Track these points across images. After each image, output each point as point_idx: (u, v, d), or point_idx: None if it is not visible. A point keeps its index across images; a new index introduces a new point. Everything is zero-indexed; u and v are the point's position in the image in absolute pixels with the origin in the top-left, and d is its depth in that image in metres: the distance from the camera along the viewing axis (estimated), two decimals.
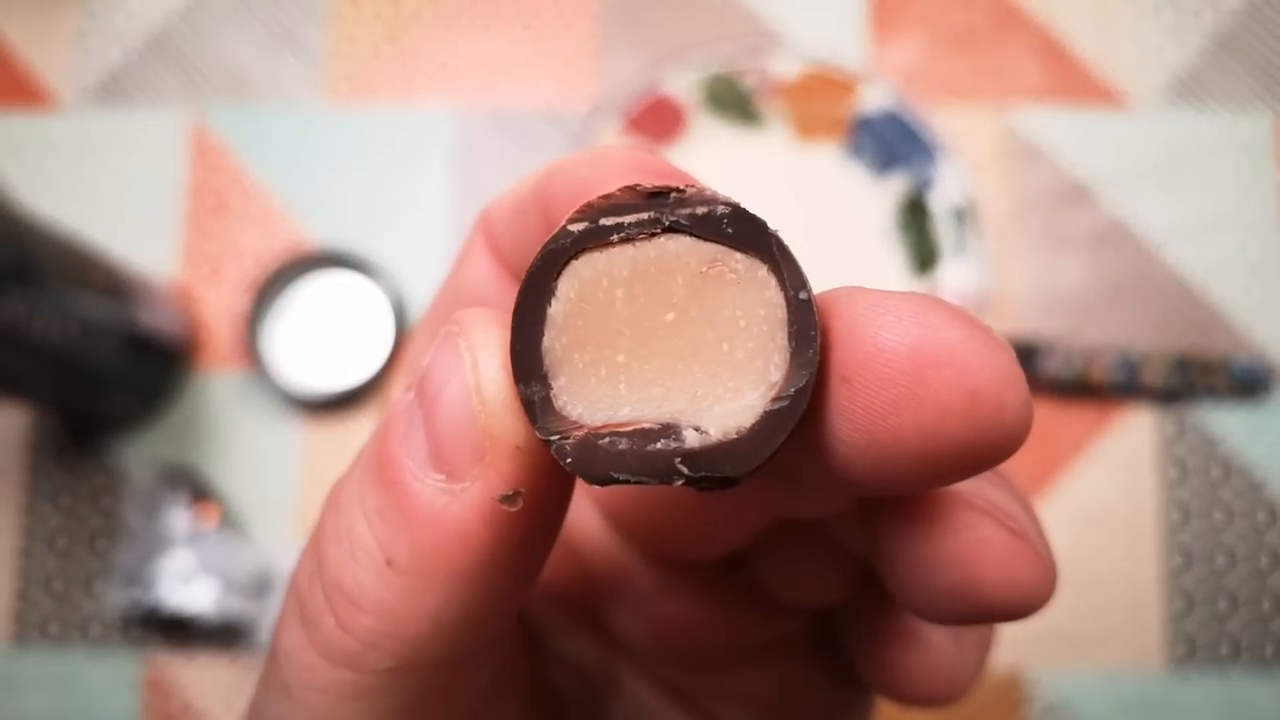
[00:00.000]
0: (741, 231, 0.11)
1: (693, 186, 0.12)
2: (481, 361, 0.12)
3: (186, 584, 0.45)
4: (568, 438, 0.11)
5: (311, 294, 0.51)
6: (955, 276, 0.49)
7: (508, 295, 0.16)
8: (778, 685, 0.19)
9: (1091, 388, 0.48)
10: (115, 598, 0.46)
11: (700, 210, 0.12)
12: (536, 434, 0.12)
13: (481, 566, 0.12)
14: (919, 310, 0.11)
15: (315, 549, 0.13)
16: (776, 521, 0.16)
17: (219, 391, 0.50)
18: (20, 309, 0.38)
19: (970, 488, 0.13)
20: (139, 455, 0.50)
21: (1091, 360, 0.48)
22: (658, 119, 0.50)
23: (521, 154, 0.52)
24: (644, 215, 0.12)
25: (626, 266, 0.12)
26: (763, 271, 0.11)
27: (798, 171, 0.51)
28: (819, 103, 0.50)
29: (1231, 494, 0.48)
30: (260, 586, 0.47)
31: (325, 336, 0.50)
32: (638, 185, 0.12)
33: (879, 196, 0.51)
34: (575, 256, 0.12)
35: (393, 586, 0.12)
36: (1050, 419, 0.49)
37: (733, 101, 0.51)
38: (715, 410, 0.11)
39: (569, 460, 0.11)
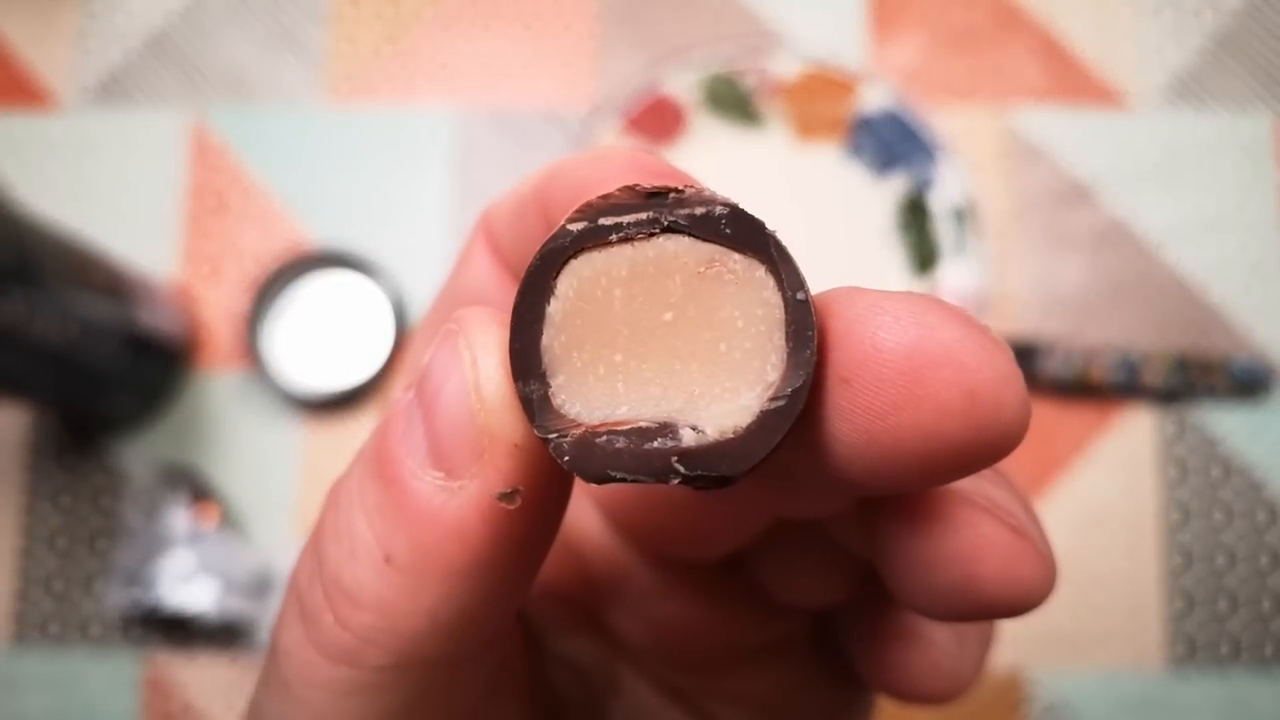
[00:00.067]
0: (740, 232, 0.11)
1: (692, 187, 0.12)
2: (481, 360, 0.12)
3: (186, 584, 0.45)
4: (565, 436, 0.12)
5: (311, 294, 0.51)
6: (955, 276, 0.49)
7: (508, 295, 0.16)
8: (777, 685, 0.19)
9: (1091, 388, 0.48)
10: (115, 598, 0.46)
11: (699, 211, 0.12)
12: (535, 432, 0.12)
13: (480, 564, 0.12)
14: (917, 310, 0.11)
15: (315, 547, 0.13)
16: (776, 522, 0.16)
17: (219, 391, 0.50)
18: (20, 309, 0.38)
19: (969, 485, 0.13)
20: (139, 455, 0.50)
21: (1091, 360, 0.48)
22: (658, 119, 0.50)
23: (521, 154, 0.52)
24: (643, 215, 0.12)
25: (625, 266, 0.12)
26: (761, 272, 0.11)
27: (797, 171, 0.51)
28: (819, 103, 0.50)
29: (1231, 494, 0.48)
30: (260, 586, 0.47)
31: (325, 336, 0.50)
32: (637, 185, 0.12)
33: (879, 196, 0.51)
34: (574, 256, 0.12)
35: (391, 583, 0.12)
36: (1050, 419, 0.49)
37: (733, 101, 0.51)
38: (712, 410, 0.11)
39: (566, 458, 0.11)
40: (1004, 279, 0.50)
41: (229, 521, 0.48)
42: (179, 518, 0.47)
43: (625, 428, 0.11)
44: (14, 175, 0.52)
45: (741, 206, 0.12)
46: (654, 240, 0.12)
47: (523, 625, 0.18)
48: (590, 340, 0.12)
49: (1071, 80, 0.52)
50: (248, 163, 0.52)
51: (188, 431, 0.50)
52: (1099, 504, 0.48)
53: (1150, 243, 0.50)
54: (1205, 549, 0.48)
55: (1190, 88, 0.52)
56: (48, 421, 0.51)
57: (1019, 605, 0.13)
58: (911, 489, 0.13)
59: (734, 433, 0.11)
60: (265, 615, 0.47)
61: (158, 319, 0.47)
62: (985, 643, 0.17)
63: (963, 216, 0.49)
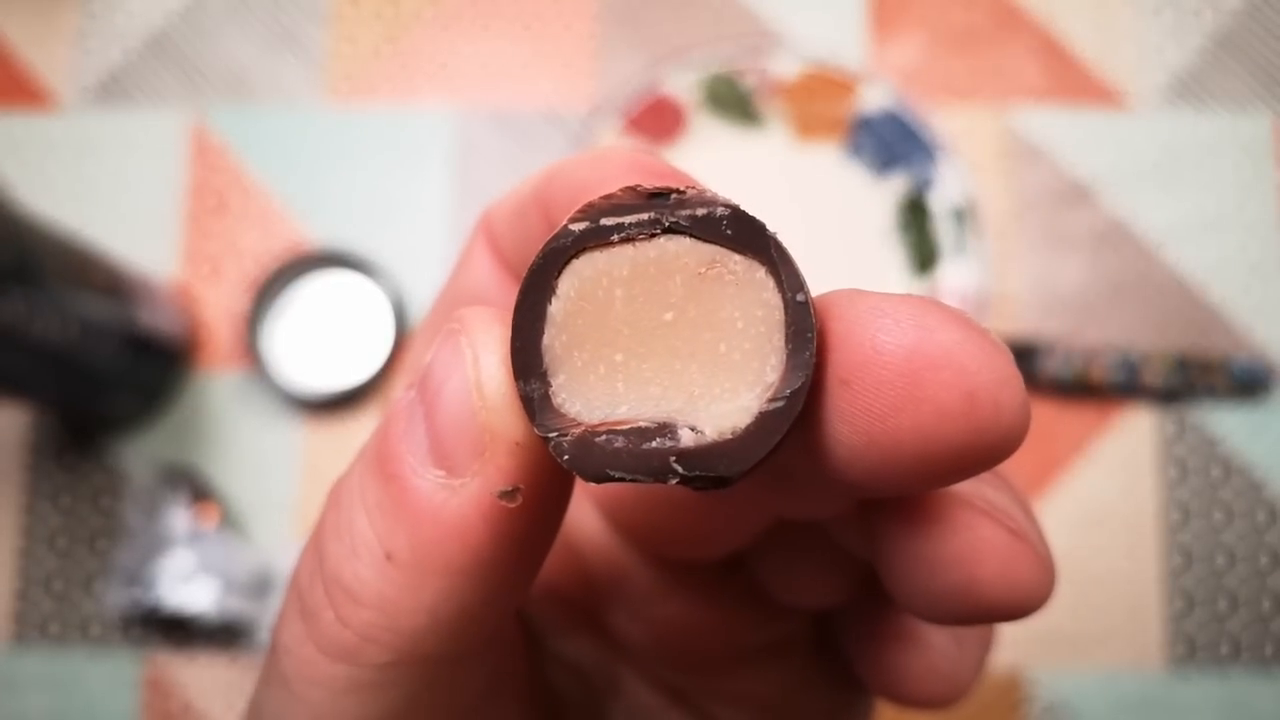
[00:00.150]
0: (740, 233, 0.11)
1: (693, 188, 0.12)
2: (482, 358, 0.12)
3: (186, 584, 0.45)
4: (565, 435, 0.12)
5: (311, 294, 0.51)
6: (955, 277, 0.49)
7: (509, 296, 0.16)
8: (777, 687, 0.19)
9: (1091, 388, 0.48)
10: (115, 598, 0.46)
11: (700, 211, 0.12)
12: (535, 430, 0.12)
13: (480, 562, 0.12)
14: (916, 313, 0.11)
15: (316, 545, 0.13)
16: (776, 523, 0.16)
17: (219, 391, 0.50)
18: (20, 309, 0.38)
19: (969, 488, 0.13)
20: (139, 455, 0.50)
21: (1091, 360, 0.48)
22: (658, 119, 0.50)
23: (521, 154, 0.52)
24: (644, 216, 0.12)
25: (626, 266, 0.12)
26: (761, 273, 0.11)
27: (797, 171, 0.51)
28: (819, 103, 0.50)
29: (1231, 494, 0.48)
30: (260, 586, 0.47)
31: (325, 336, 0.50)
32: (639, 186, 0.12)
33: (879, 196, 0.51)
34: (576, 255, 0.12)
35: (392, 581, 0.12)
36: (1050, 419, 0.49)
37: (733, 101, 0.51)
38: (711, 410, 0.11)
39: (566, 457, 0.12)
40: (1004, 279, 0.50)
41: (229, 521, 0.48)
42: (179, 518, 0.47)
43: (624, 427, 0.11)
44: (14, 175, 0.52)
45: (742, 208, 0.12)
46: (655, 241, 0.12)
47: (523, 625, 0.18)
48: (591, 340, 0.12)
49: (1071, 80, 0.52)
50: (248, 163, 0.52)
51: (188, 431, 0.50)
52: (1099, 504, 0.48)
53: (1150, 243, 0.50)
54: (1205, 549, 0.48)
55: (1190, 88, 0.52)
56: (48, 421, 0.51)
57: (1018, 608, 0.13)
58: (912, 491, 0.13)
59: (732, 433, 0.11)
60: (265, 615, 0.47)
61: (158, 319, 0.47)
62: (984, 647, 0.17)
63: (963, 216, 0.49)
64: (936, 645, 0.16)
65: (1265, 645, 0.47)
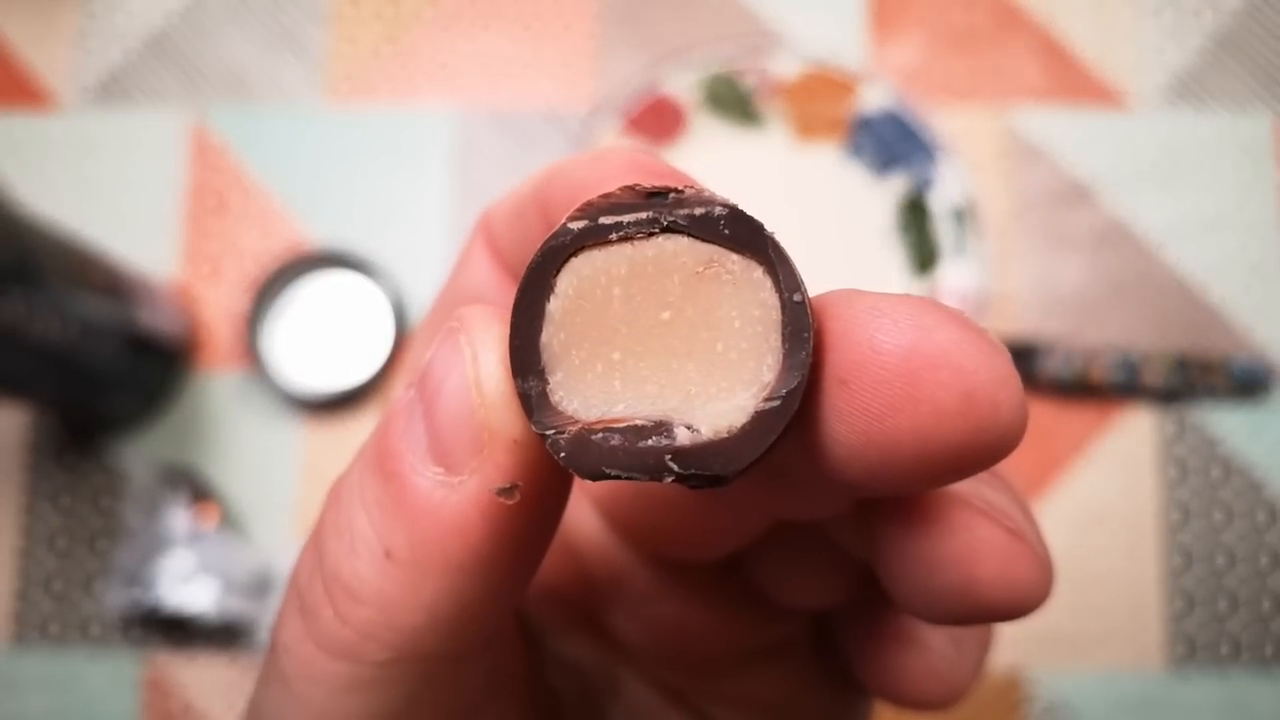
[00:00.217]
0: (738, 233, 0.12)
1: (691, 187, 0.12)
2: (481, 356, 0.12)
3: (186, 584, 0.45)
4: (562, 432, 0.12)
5: (311, 294, 0.51)
6: (955, 277, 0.49)
7: (508, 296, 0.16)
8: (776, 688, 0.19)
9: (1091, 388, 0.48)
10: (115, 598, 0.46)
11: (698, 211, 0.12)
12: (532, 428, 0.12)
13: (479, 559, 0.12)
14: (914, 313, 0.11)
15: (316, 543, 0.13)
16: (774, 523, 0.16)
17: (219, 391, 0.50)
18: (20, 309, 0.38)
19: (967, 488, 0.13)
20: (139, 455, 0.50)
21: (1091, 360, 0.48)
22: (658, 119, 0.50)
23: (521, 154, 0.52)
24: (643, 215, 0.12)
25: (624, 265, 0.12)
26: (758, 273, 0.11)
27: (797, 171, 0.51)
28: (819, 103, 0.50)
29: (1231, 494, 0.48)
30: (260, 586, 0.47)
31: (325, 336, 0.50)
32: (637, 185, 0.12)
33: (879, 196, 0.51)
34: (575, 254, 0.12)
35: (391, 578, 0.12)
36: (1050, 419, 0.49)
37: (733, 101, 0.51)
38: (707, 409, 0.11)
39: (562, 454, 0.12)
40: (1004, 279, 0.50)
41: (229, 521, 0.48)
42: (179, 518, 0.47)
43: (621, 425, 0.12)
44: (14, 175, 0.52)
45: (740, 207, 0.12)
46: (653, 240, 0.12)
47: (522, 625, 0.18)
48: (589, 338, 0.12)
49: (1071, 80, 0.52)
50: (248, 163, 0.52)
51: (188, 431, 0.50)
52: (1099, 504, 0.48)
53: (1150, 243, 0.50)
54: (1205, 549, 0.48)
55: (1190, 88, 0.52)
56: (48, 421, 0.51)
57: (1016, 608, 0.13)
58: (910, 491, 0.13)
59: (728, 432, 0.11)
60: (265, 615, 0.47)
61: (158, 319, 0.47)
62: (982, 648, 0.17)
63: (963, 216, 0.49)
64: (935, 646, 0.16)
65: (1265, 645, 0.47)
